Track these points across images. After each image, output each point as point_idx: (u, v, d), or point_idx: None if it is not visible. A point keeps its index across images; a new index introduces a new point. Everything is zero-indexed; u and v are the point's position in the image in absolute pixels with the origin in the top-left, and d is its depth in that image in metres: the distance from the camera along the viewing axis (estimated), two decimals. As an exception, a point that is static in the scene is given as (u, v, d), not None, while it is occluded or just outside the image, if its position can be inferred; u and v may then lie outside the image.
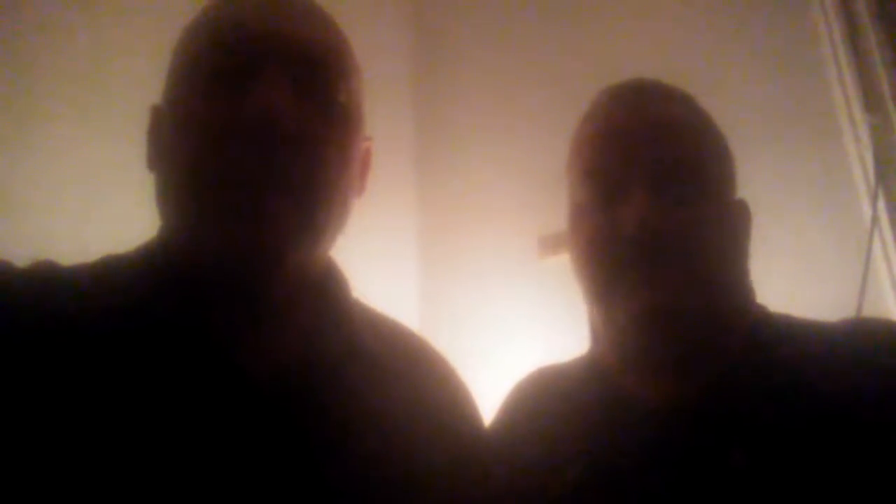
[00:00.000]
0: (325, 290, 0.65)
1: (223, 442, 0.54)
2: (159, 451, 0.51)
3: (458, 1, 2.06)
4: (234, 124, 0.55)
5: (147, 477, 0.50)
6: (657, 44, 1.59)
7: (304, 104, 0.57)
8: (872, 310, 1.23)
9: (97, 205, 1.14)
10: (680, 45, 1.56)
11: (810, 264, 1.33)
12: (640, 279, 0.64)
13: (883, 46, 1.35)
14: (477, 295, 1.78)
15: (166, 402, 0.53)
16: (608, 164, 0.68)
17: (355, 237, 0.66)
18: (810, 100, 1.41)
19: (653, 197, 0.65)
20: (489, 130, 1.89)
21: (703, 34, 1.56)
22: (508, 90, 1.87)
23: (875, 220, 1.28)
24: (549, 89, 1.74)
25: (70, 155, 1.14)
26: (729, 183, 0.72)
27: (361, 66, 0.66)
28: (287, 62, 0.58)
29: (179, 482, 0.51)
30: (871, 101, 1.34)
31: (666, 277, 0.63)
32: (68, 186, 1.13)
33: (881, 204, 1.29)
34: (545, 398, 0.76)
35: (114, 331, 0.55)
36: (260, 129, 0.54)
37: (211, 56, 0.58)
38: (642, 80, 0.74)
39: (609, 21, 1.71)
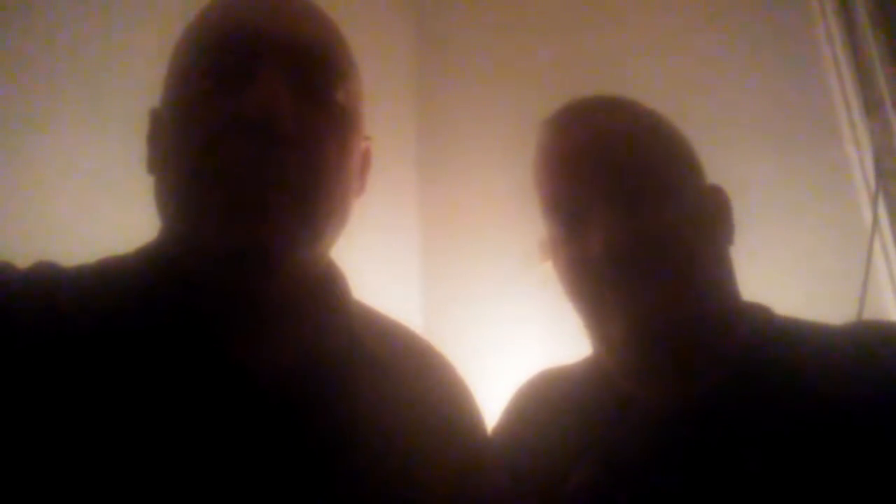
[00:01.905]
0: (325, 291, 0.65)
1: (224, 443, 0.53)
2: (160, 452, 0.51)
3: (460, 2, 2.06)
4: (232, 123, 0.55)
5: (148, 478, 0.50)
6: (657, 48, 1.59)
7: (302, 103, 0.57)
8: (873, 312, 1.23)
9: (98, 206, 1.14)
10: (680, 50, 1.56)
11: (811, 267, 1.34)
12: (623, 294, 0.64)
13: (882, 50, 1.35)
14: (479, 296, 1.78)
15: (167, 404, 0.53)
16: (564, 197, 0.69)
17: (356, 238, 0.66)
18: (810, 104, 1.42)
19: (614, 213, 0.65)
20: (491, 132, 1.88)
21: (702, 38, 1.56)
22: (510, 92, 1.87)
23: (875, 222, 1.28)
24: (551, 92, 1.73)
25: (71, 156, 1.14)
26: (692, 172, 0.71)
27: (362, 67, 0.65)
28: (285, 62, 0.58)
29: (181, 483, 0.51)
30: (871, 105, 1.34)
31: (647, 285, 0.63)
32: (69, 188, 1.13)
33: (881, 207, 1.29)
34: (549, 400, 0.75)
35: (114, 332, 0.55)
36: (258, 127, 0.54)
37: (209, 56, 0.58)
38: (577, 101, 0.73)
39: (611, 26, 1.72)
